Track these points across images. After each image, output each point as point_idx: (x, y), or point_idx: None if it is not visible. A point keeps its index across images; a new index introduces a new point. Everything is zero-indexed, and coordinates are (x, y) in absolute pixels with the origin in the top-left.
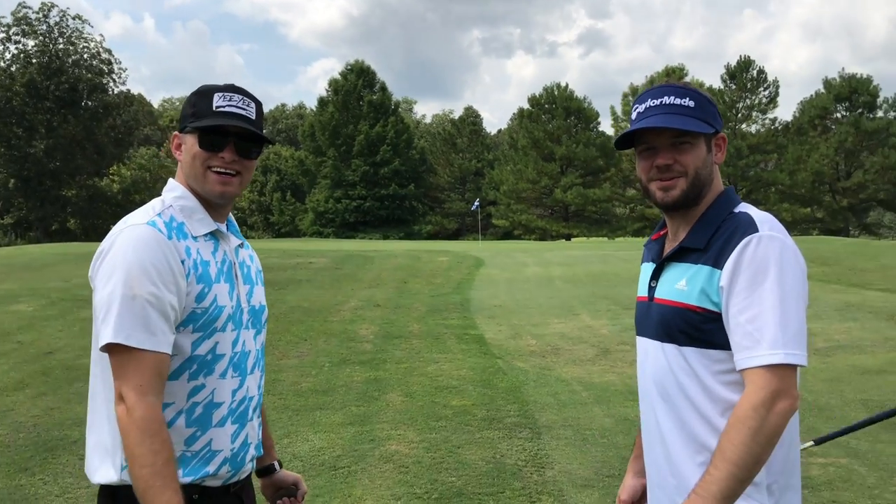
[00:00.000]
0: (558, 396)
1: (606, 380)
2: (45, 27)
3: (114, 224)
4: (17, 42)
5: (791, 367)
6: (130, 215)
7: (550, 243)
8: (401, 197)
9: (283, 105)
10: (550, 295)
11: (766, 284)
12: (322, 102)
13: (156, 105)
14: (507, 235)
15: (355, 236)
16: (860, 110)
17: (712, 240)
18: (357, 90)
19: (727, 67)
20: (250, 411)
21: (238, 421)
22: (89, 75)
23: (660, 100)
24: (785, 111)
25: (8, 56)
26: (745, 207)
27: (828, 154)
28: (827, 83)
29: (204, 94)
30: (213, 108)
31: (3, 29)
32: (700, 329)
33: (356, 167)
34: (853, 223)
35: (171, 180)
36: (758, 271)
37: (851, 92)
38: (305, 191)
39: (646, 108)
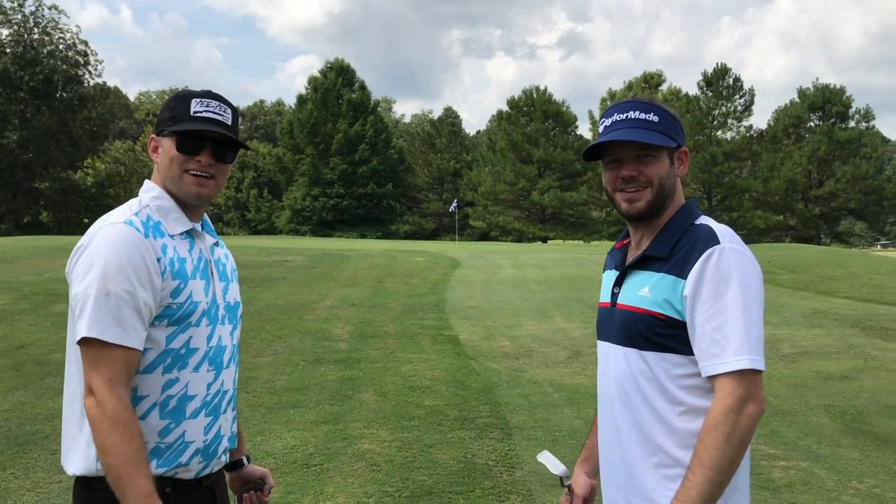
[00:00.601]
0: (530, 398)
1: (577, 382)
2: (19, 16)
3: (87, 217)
4: None
5: (757, 372)
6: (108, 214)
7: (526, 245)
8: (378, 196)
9: (262, 101)
10: (525, 297)
11: (729, 294)
12: (301, 100)
13: (132, 98)
14: (483, 237)
15: (332, 235)
16: (833, 120)
17: (675, 249)
18: (336, 88)
19: (704, 74)
20: (224, 404)
21: (212, 413)
22: (64, 66)
23: (626, 114)
24: (761, 119)
25: None
26: (705, 220)
27: (801, 162)
28: (801, 92)
29: (182, 99)
30: (191, 113)
31: None
32: (661, 334)
33: (334, 165)
34: (825, 231)
35: (146, 181)
36: (721, 281)
37: (825, 102)
38: (283, 188)
39: (612, 122)
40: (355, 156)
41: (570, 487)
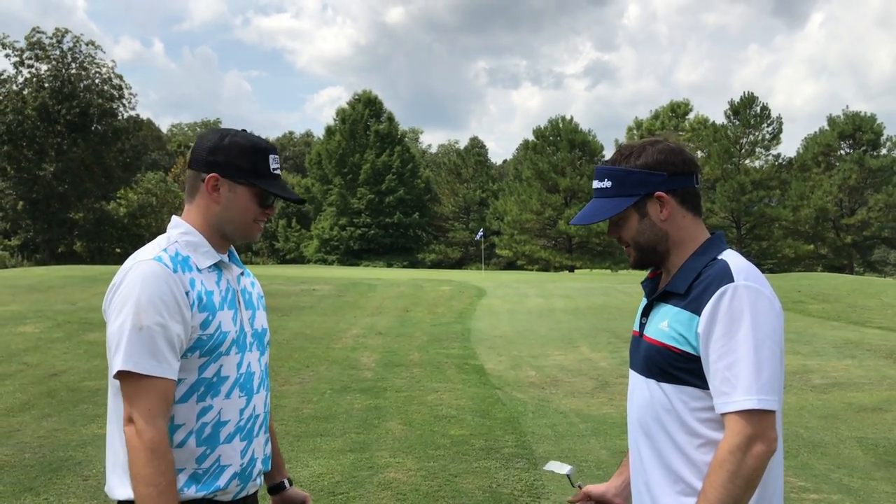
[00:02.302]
0: (556, 428)
1: (604, 412)
2: (58, 52)
3: (119, 247)
4: (30, 66)
5: (767, 412)
6: (139, 252)
7: (553, 274)
8: (405, 225)
9: (291, 133)
10: (551, 326)
11: (741, 333)
12: (329, 131)
13: (164, 130)
14: (510, 265)
15: (359, 264)
16: (864, 148)
17: (693, 285)
18: (364, 119)
19: (731, 103)
20: (257, 427)
21: (246, 437)
22: (100, 100)
23: (595, 184)
24: (790, 146)
25: (21, 80)
26: (726, 255)
27: (831, 191)
28: (831, 120)
29: (260, 152)
30: (270, 170)
31: (16, 53)
32: (679, 368)
33: (361, 195)
34: (857, 260)
35: (174, 217)
36: (733, 320)
37: (855, 129)
38: (311, 218)
39: (592, 191)
40: (382, 185)
41: (580, 486)
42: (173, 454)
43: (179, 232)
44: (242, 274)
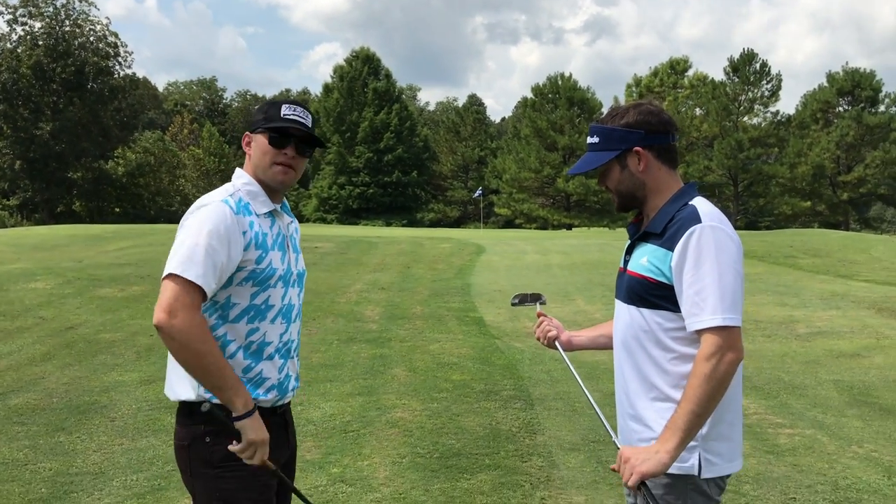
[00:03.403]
0: (551, 373)
1: (597, 359)
2: (51, 9)
3: (119, 207)
4: (23, 24)
5: (732, 328)
6: (212, 193)
7: (551, 232)
8: (404, 184)
9: (288, 90)
10: (548, 281)
11: (707, 265)
12: (327, 89)
13: (160, 88)
14: (508, 224)
15: (358, 223)
16: (862, 105)
17: (667, 226)
18: (362, 77)
19: (730, 60)
20: (292, 350)
21: (283, 357)
22: (95, 58)
23: (588, 140)
24: (790, 103)
25: (14, 38)
26: (696, 202)
27: (829, 148)
28: (830, 77)
29: (274, 105)
30: (281, 115)
31: (10, 10)
32: (654, 295)
33: (360, 154)
34: (853, 217)
35: (238, 169)
36: (700, 254)
37: (854, 86)
38: (309, 176)
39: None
40: (381, 144)
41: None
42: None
43: (242, 182)
44: (292, 223)
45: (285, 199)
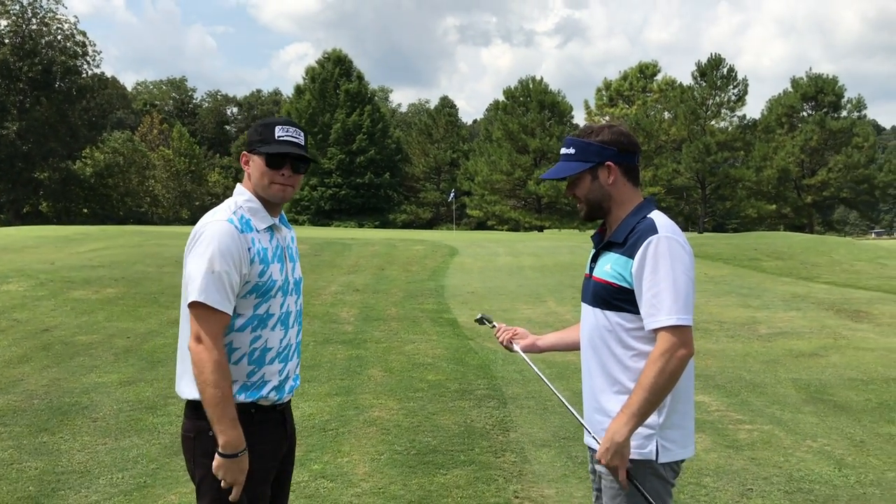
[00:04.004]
0: (523, 373)
1: (567, 359)
2: (17, 7)
3: (87, 207)
4: None
5: (685, 327)
6: (214, 211)
7: (523, 234)
8: (376, 186)
9: (259, 91)
10: (520, 283)
11: (662, 271)
12: (299, 90)
13: (129, 88)
14: (480, 226)
15: (330, 224)
16: (825, 110)
17: (628, 237)
18: (334, 79)
19: (698, 65)
20: (291, 353)
21: (283, 361)
22: (63, 57)
23: (562, 150)
24: (756, 107)
25: None
26: (654, 215)
27: (793, 152)
28: (794, 82)
29: (268, 126)
30: (276, 138)
31: None
32: (617, 299)
33: (332, 155)
34: (817, 220)
35: (239, 185)
36: (657, 261)
37: (817, 91)
38: None
39: (560, 155)
40: (353, 146)
41: (494, 325)
42: (230, 369)
43: (244, 199)
44: (288, 233)
45: (283, 213)
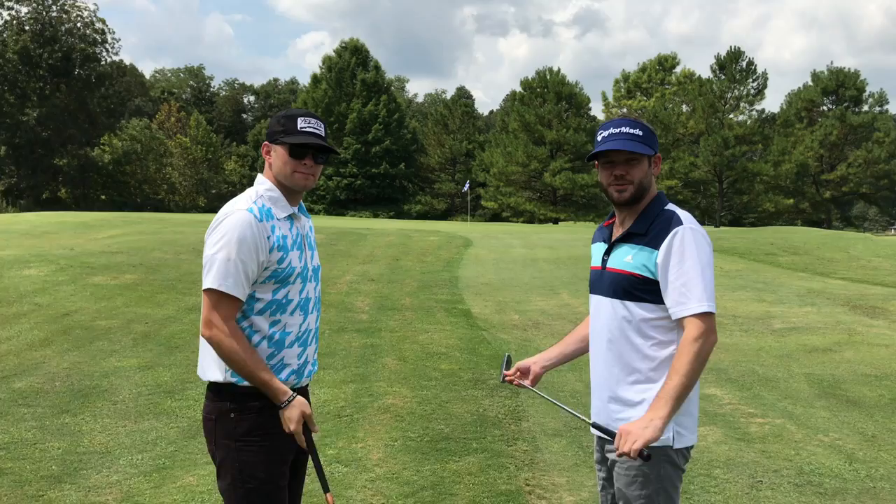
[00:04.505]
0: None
1: None
2: None
3: (105, 194)
4: (9, 8)
5: (713, 314)
6: (236, 200)
7: (538, 226)
8: (391, 176)
9: (276, 80)
10: (534, 275)
11: (689, 261)
12: (315, 79)
13: (147, 76)
14: (495, 217)
15: (345, 214)
16: (846, 104)
17: (650, 228)
18: (350, 68)
19: (717, 58)
20: (310, 338)
21: (302, 345)
22: (82, 45)
23: (619, 129)
24: (775, 101)
25: (0, 22)
26: (672, 207)
27: (812, 146)
28: (815, 76)
29: (291, 118)
30: (298, 129)
31: None
32: (639, 289)
33: (348, 145)
34: (835, 215)
35: (260, 175)
36: (683, 252)
37: (838, 85)
38: None
39: (609, 134)
40: (369, 136)
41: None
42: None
43: (265, 188)
44: (307, 222)
45: (302, 202)
